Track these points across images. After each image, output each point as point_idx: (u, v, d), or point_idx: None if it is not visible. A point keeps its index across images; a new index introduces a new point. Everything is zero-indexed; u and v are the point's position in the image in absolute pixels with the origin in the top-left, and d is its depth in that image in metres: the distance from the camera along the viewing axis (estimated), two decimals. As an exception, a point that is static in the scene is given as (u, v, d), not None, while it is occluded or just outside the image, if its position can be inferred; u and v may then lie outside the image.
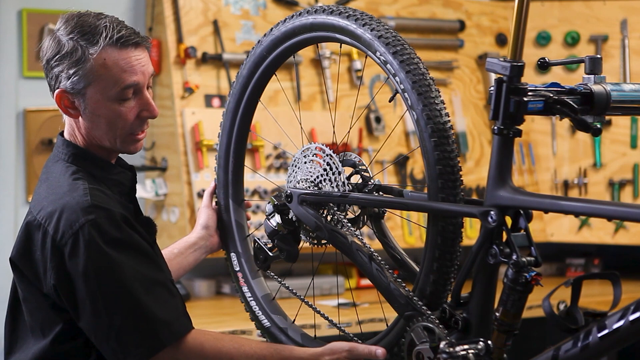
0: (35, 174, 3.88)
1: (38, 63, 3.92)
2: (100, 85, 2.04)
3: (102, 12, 2.10)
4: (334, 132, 2.41)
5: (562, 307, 1.76)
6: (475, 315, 1.87)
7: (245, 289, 2.35)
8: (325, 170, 2.15)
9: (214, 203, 2.40)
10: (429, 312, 1.92)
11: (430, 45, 4.56)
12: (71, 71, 2.03)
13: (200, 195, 3.86)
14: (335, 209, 2.11)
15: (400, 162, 4.37)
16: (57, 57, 2.04)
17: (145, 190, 3.99)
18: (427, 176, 1.92)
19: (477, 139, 4.58)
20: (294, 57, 2.30)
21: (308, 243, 2.21)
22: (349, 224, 2.10)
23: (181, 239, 2.41)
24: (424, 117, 1.91)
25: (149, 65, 2.09)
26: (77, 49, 2.03)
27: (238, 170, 2.38)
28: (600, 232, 4.53)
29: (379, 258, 2.03)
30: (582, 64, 1.88)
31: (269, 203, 2.23)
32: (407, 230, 4.30)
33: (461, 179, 1.92)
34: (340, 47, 2.16)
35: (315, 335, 2.27)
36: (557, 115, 1.80)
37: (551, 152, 4.64)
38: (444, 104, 1.93)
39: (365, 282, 4.13)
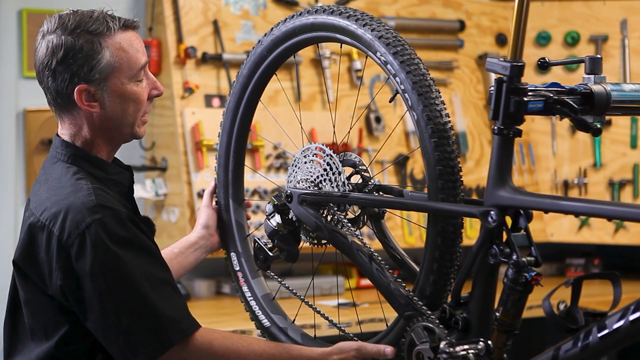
0: (35, 174, 3.88)
1: (38, 63, 3.92)
2: (122, 69, 2.07)
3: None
4: (334, 132, 2.41)
5: (562, 307, 1.76)
6: (475, 315, 1.87)
7: (245, 288, 2.35)
8: (325, 170, 2.15)
9: (214, 203, 2.40)
10: (429, 312, 1.92)
11: (430, 45, 4.56)
12: (93, 62, 2.04)
13: (200, 195, 3.86)
14: (335, 209, 2.11)
15: (400, 162, 4.37)
16: (70, 55, 2.03)
17: (145, 190, 3.99)
18: (427, 177, 1.92)
19: (477, 139, 4.58)
20: (294, 57, 2.30)
21: (308, 243, 2.21)
22: (349, 224, 2.10)
23: (181, 239, 2.41)
24: (424, 117, 1.91)
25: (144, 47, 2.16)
26: (90, 41, 2.04)
27: (238, 169, 2.38)
28: (600, 232, 4.53)
29: (379, 258, 2.03)
30: (582, 64, 1.88)
31: (269, 203, 2.23)
32: (407, 230, 4.30)
33: (461, 179, 1.92)
34: (341, 47, 2.16)
35: (315, 335, 2.27)
36: (557, 115, 1.80)
37: (551, 152, 4.64)
38: (444, 104, 1.94)
39: (365, 282, 4.13)
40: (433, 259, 1.93)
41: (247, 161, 3.86)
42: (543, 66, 1.87)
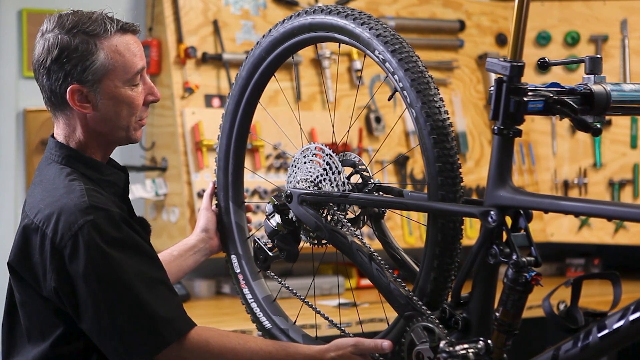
0: (35, 174, 3.88)
1: (38, 63, 3.92)
2: (116, 72, 2.06)
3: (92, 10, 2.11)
4: (333, 132, 2.41)
5: (562, 307, 1.76)
6: (475, 315, 1.87)
7: (246, 290, 2.35)
8: (325, 170, 2.15)
9: (213, 205, 2.40)
10: (429, 312, 1.92)
11: (430, 45, 4.56)
12: (87, 63, 2.04)
13: (200, 196, 3.86)
14: (335, 209, 2.11)
15: (400, 162, 4.37)
16: (65, 54, 2.03)
17: (145, 190, 3.99)
18: (427, 174, 1.92)
19: (477, 139, 4.58)
20: (292, 58, 2.30)
21: (308, 243, 2.21)
22: (349, 224, 2.10)
23: (181, 242, 2.40)
24: (423, 114, 1.91)
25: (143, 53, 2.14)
26: (86, 41, 2.04)
27: (238, 172, 2.37)
28: (600, 232, 4.53)
29: (379, 258, 2.03)
30: (582, 64, 1.88)
31: (269, 203, 2.23)
32: (407, 230, 4.30)
33: (461, 176, 1.92)
34: (339, 47, 2.16)
35: (316, 335, 2.27)
36: (557, 115, 1.80)
37: (551, 152, 4.64)
38: (443, 101, 1.93)
39: (366, 282, 4.12)
40: (433, 255, 1.93)
41: (247, 161, 3.86)
42: (543, 66, 1.87)
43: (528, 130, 4.61)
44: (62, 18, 2.07)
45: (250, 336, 2.12)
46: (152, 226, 2.27)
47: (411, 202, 2.05)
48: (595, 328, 1.67)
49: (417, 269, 2.03)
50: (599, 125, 1.85)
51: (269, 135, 3.90)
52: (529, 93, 1.79)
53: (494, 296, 1.87)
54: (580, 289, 1.77)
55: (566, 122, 4.20)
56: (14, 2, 3.93)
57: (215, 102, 4.03)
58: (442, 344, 1.83)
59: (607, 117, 1.90)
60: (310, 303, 2.26)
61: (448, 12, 4.62)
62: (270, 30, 2.24)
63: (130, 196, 2.21)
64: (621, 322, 1.63)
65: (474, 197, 4.17)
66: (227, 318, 3.64)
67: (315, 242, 2.19)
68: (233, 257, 2.36)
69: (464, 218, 1.94)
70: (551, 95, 1.80)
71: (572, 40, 4.65)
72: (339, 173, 2.13)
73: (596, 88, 1.84)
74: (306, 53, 4.23)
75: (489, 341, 1.82)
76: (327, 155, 2.15)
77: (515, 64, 1.76)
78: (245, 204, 2.40)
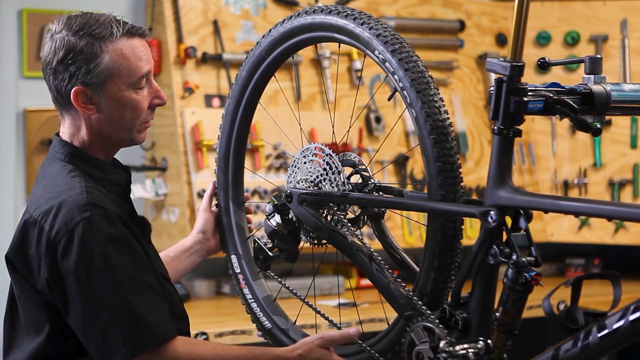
0: (35, 174, 3.87)
1: (38, 63, 3.92)
2: (120, 75, 2.08)
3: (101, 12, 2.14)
4: (333, 132, 2.41)
5: (562, 307, 1.76)
6: (475, 315, 1.87)
7: (246, 290, 2.35)
8: (325, 170, 2.15)
9: (213, 206, 2.41)
10: (429, 312, 1.92)
11: (430, 45, 4.55)
12: (91, 65, 2.06)
13: (200, 196, 3.86)
14: (335, 209, 2.11)
15: (400, 162, 4.37)
16: (70, 55, 2.06)
17: (145, 190, 3.99)
18: (427, 174, 1.92)
19: (477, 139, 4.58)
20: (292, 58, 2.30)
21: (308, 243, 2.21)
22: (349, 224, 2.10)
23: (178, 242, 2.42)
24: (423, 114, 1.91)
25: (151, 55, 2.15)
26: (91, 44, 2.06)
27: (238, 172, 2.38)
28: (600, 232, 4.53)
29: (379, 258, 2.03)
30: (582, 64, 1.88)
31: (269, 203, 2.23)
32: (407, 230, 4.30)
33: (461, 176, 1.92)
34: (339, 47, 2.16)
35: (315, 335, 2.27)
36: (557, 115, 1.80)
37: (551, 152, 4.64)
38: (442, 101, 1.93)
39: (366, 282, 4.12)
40: (434, 255, 1.93)
41: (247, 161, 3.86)
42: (543, 66, 1.87)
43: (528, 130, 4.61)
44: (71, 20, 2.09)
45: (219, 343, 2.12)
46: (152, 226, 2.27)
47: (411, 202, 2.05)
48: (595, 328, 1.67)
49: (417, 269, 2.03)
50: (599, 125, 1.85)
51: (269, 136, 3.90)
52: (529, 93, 1.79)
53: (494, 296, 1.87)
54: (580, 289, 1.76)
55: (566, 122, 4.20)
56: (14, 2, 3.93)
57: (215, 102, 4.03)
58: (442, 344, 1.83)
59: (607, 117, 1.90)
60: (310, 303, 2.26)
61: (448, 12, 4.62)
62: (270, 30, 2.24)
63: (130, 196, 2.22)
64: (621, 322, 1.63)
65: (474, 197, 4.16)
66: (227, 318, 3.63)
67: (315, 242, 2.19)
68: (233, 257, 2.36)
69: (464, 218, 1.94)
70: (551, 95, 1.80)
71: (572, 40, 4.65)
72: (339, 173, 2.13)
73: (596, 88, 1.84)
74: (306, 53, 4.23)
75: (489, 341, 1.82)
76: (327, 155, 2.15)
77: (515, 64, 1.76)
78: (245, 205, 2.40)
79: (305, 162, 2.19)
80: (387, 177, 4.35)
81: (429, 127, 1.90)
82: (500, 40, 4.70)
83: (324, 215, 2.14)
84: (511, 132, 1.79)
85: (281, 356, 2.08)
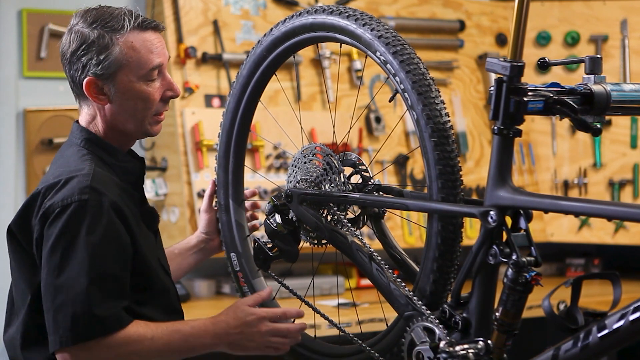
0: (35, 174, 3.88)
1: (38, 63, 3.93)
2: (130, 67, 2.14)
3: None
4: (334, 132, 2.41)
5: (562, 307, 1.76)
6: (475, 315, 1.86)
7: (245, 288, 2.35)
8: (325, 170, 2.15)
9: (214, 204, 2.41)
10: (429, 312, 1.92)
11: (430, 45, 4.56)
12: (101, 57, 2.12)
13: (200, 196, 3.86)
14: (335, 209, 2.11)
15: (400, 162, 4.37)
16: (83, 47, 2.13)
17: (145, 190, 3.99)
18: (427, 176, 1.92)
19: (477, 139, 4.58)
20: (293, 57, 2.30)
21: (308, 243, 2.21)
22: (349, 224, 2.09)
23: (182, 241, 2.46)
24: (424, 117, 1.91)
25: (166, 48, 2.21)
26: (103, 35, 2.12)
27: (238, 170, 2.38)
28: (600, 232, 4.53)
29: (379, 258, 2.03)
30: (582, 64, 1.88)
31: (269, 203, 2.23)
32: (407, 230, 4.30)
33: (461, 178, 1.92)
34: (341, 47, 2.16)
35: (315, 335, 2.27)
36: (557, 115, 1.80)
37: (551, 152, 4.64)
38: (444, 104, 1.93)
39: (365, 282, 4.12)
40: (433, 258, 1.93)
41: (247, 161, 3.86)
42: (543, 66, 1.87)
43: (528, 130, 4.61)
44: (87, 13, 2.16)
45: (159, 334, 2.09)
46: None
47: (411, 203, 2.05)
48: (595, 328, 1.67)
49: (417, 269, 2.03)
50: (599, 125, 1.85)
51: (268, 136, 3.90)
52: (529, 93, 1.79)
53: (494, 296, 1.87)
54: (580, 289, 1.76)
55: (566, 122, 4.20)
56: (14, 2, 3.93)
57: (215, 102, 4.03)
58: (442, 344, 1.82)
59: (607, 117, 1.90)
60: (310, 303, 2.26)
61: (448, 12, 4.62)
62: (271, 29, 2.24)
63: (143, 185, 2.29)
64: (621, 322, 1.63)
65: (474, 197, 4.17)
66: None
67: (315, 242, 2.19)
68: (233, 255, 2.37)
69: (463, 221, 1.94)
70: (551, 95, 1.80)
71: (572, 40, 4.65)
72: (339, 173, 2.13)
73: (596, 88, 1.84)
74: (306, 53, 4.23)
75: (489, 341, 1.82)
76: (327, 155, 2.15)
77: (515, 64, 1.76)
78: (253, 200, 2.41)
79: (305, 162, 2.19)
80: (387, 177, 4.35)
81: (430, 129, 1.90)
82: (500, 40, 4.70)
83: (324, 215, 2.14)
84: (511, 132, 1.79)
85: (207, 319, 2.15)
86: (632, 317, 1.62)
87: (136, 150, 4.12)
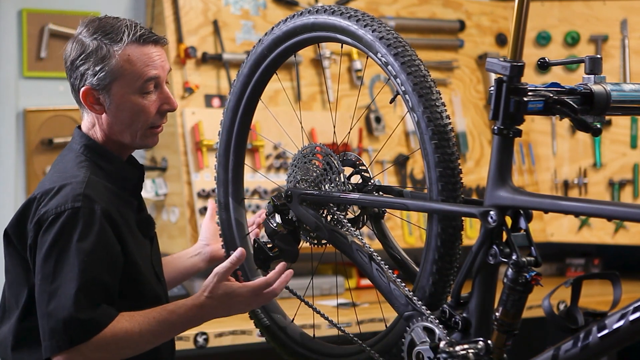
0: (35, 174, 3.88)
1: (38, 63, 3.93)
2: (125, 80, 2.16)
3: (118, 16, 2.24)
4: (334, 132, 2.40)
5: (562, 307, 1.76)
6: (475, 315, 1.86)
7: (245, 288, 2.35)
8: (325, 170, 2.15)
9: (216, 218, 2.43)
10: (429, 312, 1.92)
11: (430, 45, 4.56)
12: (97, 68, 2.15)
13: (200, 196, 3.87)
14: (335, 209, 2.11)
15: (400, 163, 4.37)
16: (82, 56, 2.16)
17: (145, 190, 3.99)
18: (427, 178, 1.92)
19: (477, 139, 4.58)
20: (294, 57, 2.30)
21: (308, 243, 2.21)
22: (349, 224, 2.09)
23: (185, 250, 2.54)
24: (425, 119, 1.91)
25: (166, 62, 2.24)
26: (101, 47, 2.15)
27: (238, 168, 2.38)
28: (600, 232, 4.53)
29: (379, 258, 2.03)
30: (582, 64, 1.88)
31: (269, 203, 2.23)
32: (407, 230, 4.30)
33: (461, 181, 1.92)
34: (342, 47, 2.16)
35: (314, 335, 2.27)
36: (557, 115, 1.80)
37: (551, 152, 4.64)
38: (444, 106, 1.93)
39: (365, 282, 4.12)
40: (433, 260, 1.93)
41: (247, 161, 3.86)
42: (543, 66, 1.87)
43: (528, 130, 4.61)
44: (91, 22, 2.19)
45: (137, 320, 2.10)
46: (153, 226, 2.31)
47: (411, 203, 2.05)
48: (595, 328, 1.67)
49: (417, 270, 2.02)
50: (599, 125, 1.85)
51: (269, 135, 3.90)
52: (529, 93, 1.79)
53: (494, 296, 1.87)
54: (580, 289, 1.76)
55: (566, 122, 4.20)
56: (14, 2, 3.93)
57: (215, 102, 4.03)
58: (442, 344, 1.82)
59: (607, 117, 1.90)
60: (309, 303, 2.26)
61: (448, 12, 4.62)
62: (272, 29, 2.24)
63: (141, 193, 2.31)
64: (621, 322, 1.63)
65: (474, 197, 4.16)
66: (227, 318, 3.62)
67: (315, 242, 2.19)
68: (232, 253, 2.37)
69: (463, 222, 1.94)
70: (551, 95, 1.80)
71: (572, 40, 4.65)
72: (339, 173, 2.13)
73: (596, 88, 1.84)
74: (307, 53, 4.23)
75: (489, 341, 1.82)
76: (327, 155, 2.15)
77: (515, 64, 1.76)
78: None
79: (305, 162, 2.19)
80: (387, 177, 4.35)
81: (431, 132, 1.90)
82: (500, 40, 4.70)
83: (324, 215, 2.14)
84: (511, 132, 1.79)
85: (193, 305, 2.12)
86: (632, 317, 1.62)
87: (136, 150, 4.13)
